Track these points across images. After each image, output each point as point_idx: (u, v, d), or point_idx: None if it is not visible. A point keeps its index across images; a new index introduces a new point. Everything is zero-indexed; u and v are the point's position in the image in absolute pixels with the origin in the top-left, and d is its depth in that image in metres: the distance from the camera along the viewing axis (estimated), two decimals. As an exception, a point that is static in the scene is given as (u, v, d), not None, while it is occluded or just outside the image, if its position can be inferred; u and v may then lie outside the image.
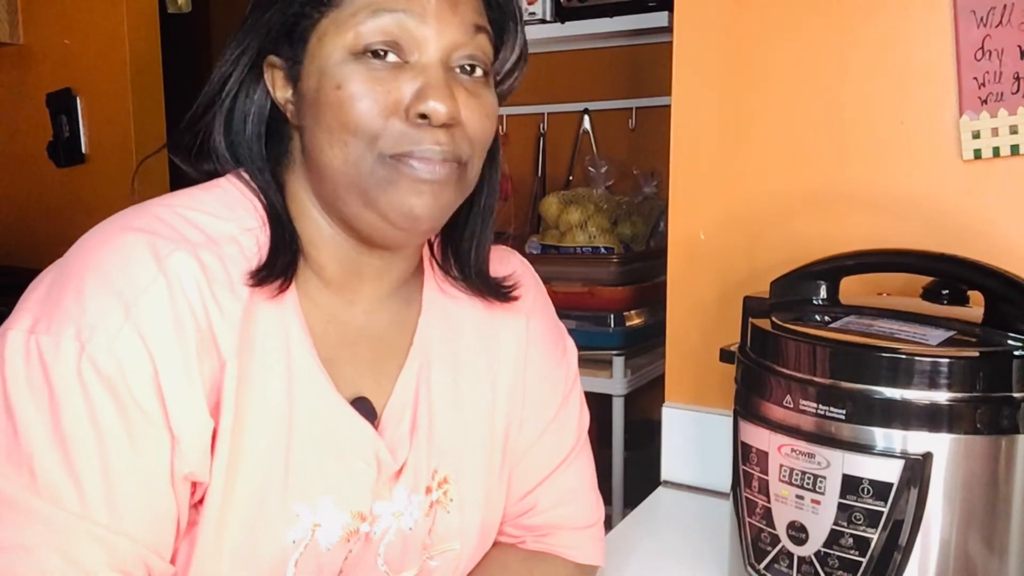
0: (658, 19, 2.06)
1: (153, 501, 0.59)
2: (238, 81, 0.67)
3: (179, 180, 0.72)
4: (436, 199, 0.65)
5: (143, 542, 0.59)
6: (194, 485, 0.63)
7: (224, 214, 0.66)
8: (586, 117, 2.48)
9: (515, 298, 0.80)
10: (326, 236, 0.69)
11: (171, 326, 0.59)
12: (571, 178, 2.51)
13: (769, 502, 0.77)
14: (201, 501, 0.63)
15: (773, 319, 0.81)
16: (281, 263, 0.65)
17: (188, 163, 0.72)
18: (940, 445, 0.69)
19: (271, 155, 0.70)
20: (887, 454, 0.70)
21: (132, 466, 0.58)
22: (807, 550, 0.74)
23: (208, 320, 0.61)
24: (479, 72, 0.67)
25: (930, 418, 0.69)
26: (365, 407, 0.71)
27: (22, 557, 0.55)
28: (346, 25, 0.63)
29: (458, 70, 0.66)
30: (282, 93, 0.67)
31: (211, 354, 0.61)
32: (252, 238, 0.66)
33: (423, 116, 0.63)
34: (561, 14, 2.17)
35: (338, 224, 0.69)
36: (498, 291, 0.79)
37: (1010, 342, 0.72)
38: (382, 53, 0.63)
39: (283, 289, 0.66)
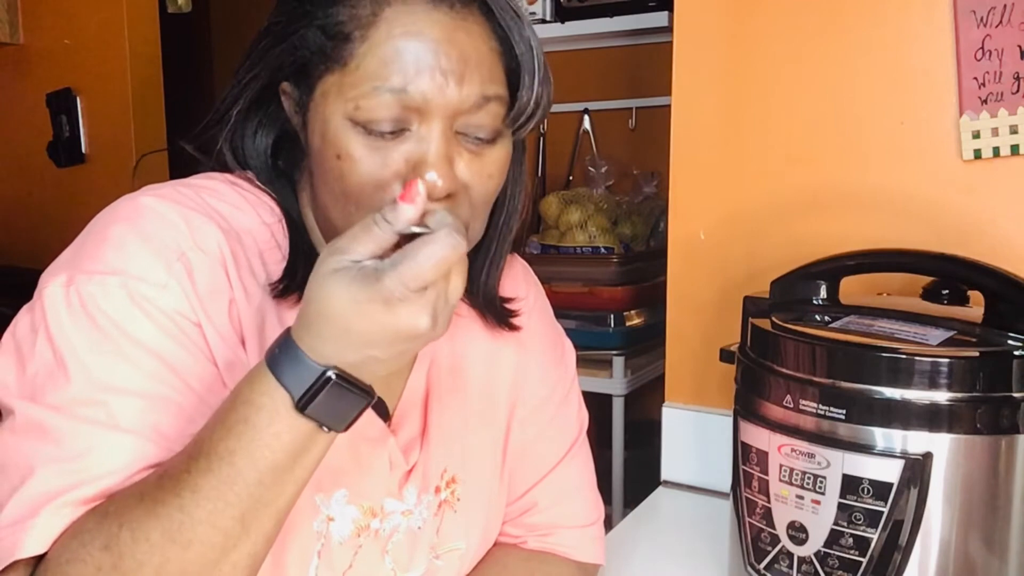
0: (658, 19, 2.06)
1: (211, 398, 0.59)
2: (248, 102, 0.66)
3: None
4: None
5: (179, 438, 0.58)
6: None
7: (243, 206, 0.66)
8: (586, 117, 2.48)
9: (515, 328, 0.80)
10: None
11: (210, 290, 0.60)
12: (571, 178, 2.51)
13: (769, 502, 0.77)
14: None
15: (773, 319, 0.81)
16: (301, 276, 0.65)
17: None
18: (940, 445, 0.69)
19: (289, 166, 0.69)
20: (887, 454, 0.70)
21: (180, 392, 0.58)
22: (807, 550, 0.74)
23: (233, 297, 0.62)
24: (484, 134, 0.63)
25: (930, 418, 0.69)
26: (378, 406, 0.71)
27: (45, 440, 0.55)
28: (348, 93, 0.60)
29: (464, 133, 0.62)
30: (295, 120, 0.66)
31: (236, 329, 0.62)
32: (268, 232, 0.66)
33: None
34: (561, 14, 2.17)
35: None
36: (500, 316, 0.79)
37: (1010, 342, 0.72)
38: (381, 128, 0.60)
39: (298, 301, 0.65)
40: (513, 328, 0.80)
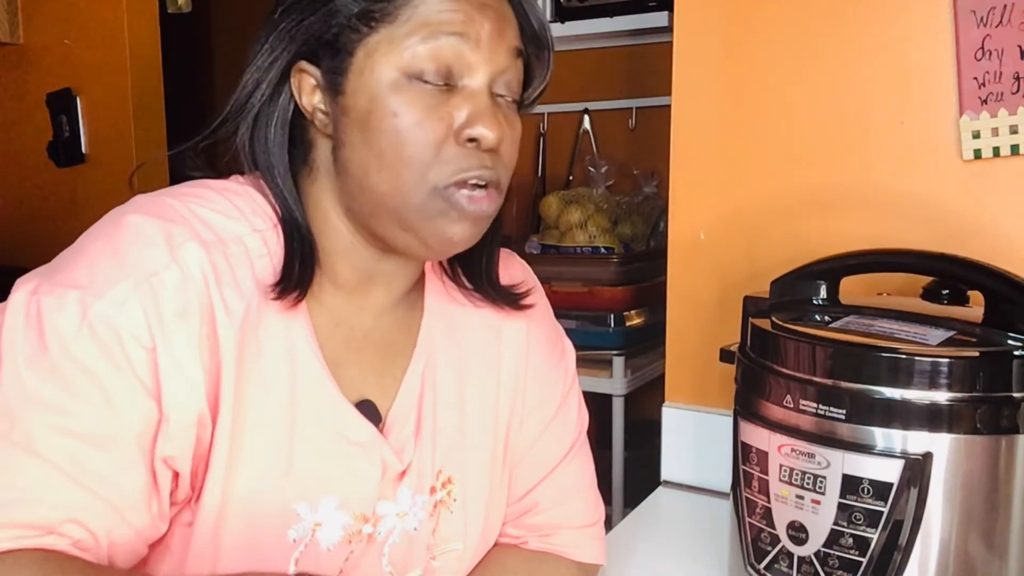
0: (658, 19, 2.07)
1: (122, 459, 0.59)
2: (270, 86, 0.65)
3: (178, 180, 0.72)
4: (477, 228, 0.67)
5: (104, 497, 0.58)
6: (177, 478, 0.62)
7: (233, 214, 0.65)
8: (586, 117, 2.48)
9: (528, 306, 0.81)
10: (346, 244, 0.69)
11: (177, 312, 0.59)
12: (571, 178, 2.51)
13: (769, 502, 0.77)
14: (199, 498, 0.63)
15: (773, 319, 0.81)
16: (298, 276, 0.65)
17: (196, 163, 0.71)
18: (940, 445, 0.69)
19: (290, 161, 0.69)
20: (887, 454, 0.70)
21: (106, 424, 0.58)
22: (807, 550, 0.74)
23: (212, 316, 0.61)
24: (511, 98, 0.67)
25: (930, 418, 0.69)
26: (369, 410, 0.71)
27: None
28: (400, 45, 0.62)
29: (498, 96, 0.66)
30: (309, 100, 0.66)
31: (213, 350, 0.61)
32: (259, 239, 0.65)
33: (472, 140, 0.64)
34: (561, 14, 2.17)
35: (361, 232, 0.69)
36: (510, 299, 0.80)
37: (1010, 342, 0.72)
38: (434, 79, 0.62)
39: (298, 301, 0.65)
40: (524, 308, 0.80)
